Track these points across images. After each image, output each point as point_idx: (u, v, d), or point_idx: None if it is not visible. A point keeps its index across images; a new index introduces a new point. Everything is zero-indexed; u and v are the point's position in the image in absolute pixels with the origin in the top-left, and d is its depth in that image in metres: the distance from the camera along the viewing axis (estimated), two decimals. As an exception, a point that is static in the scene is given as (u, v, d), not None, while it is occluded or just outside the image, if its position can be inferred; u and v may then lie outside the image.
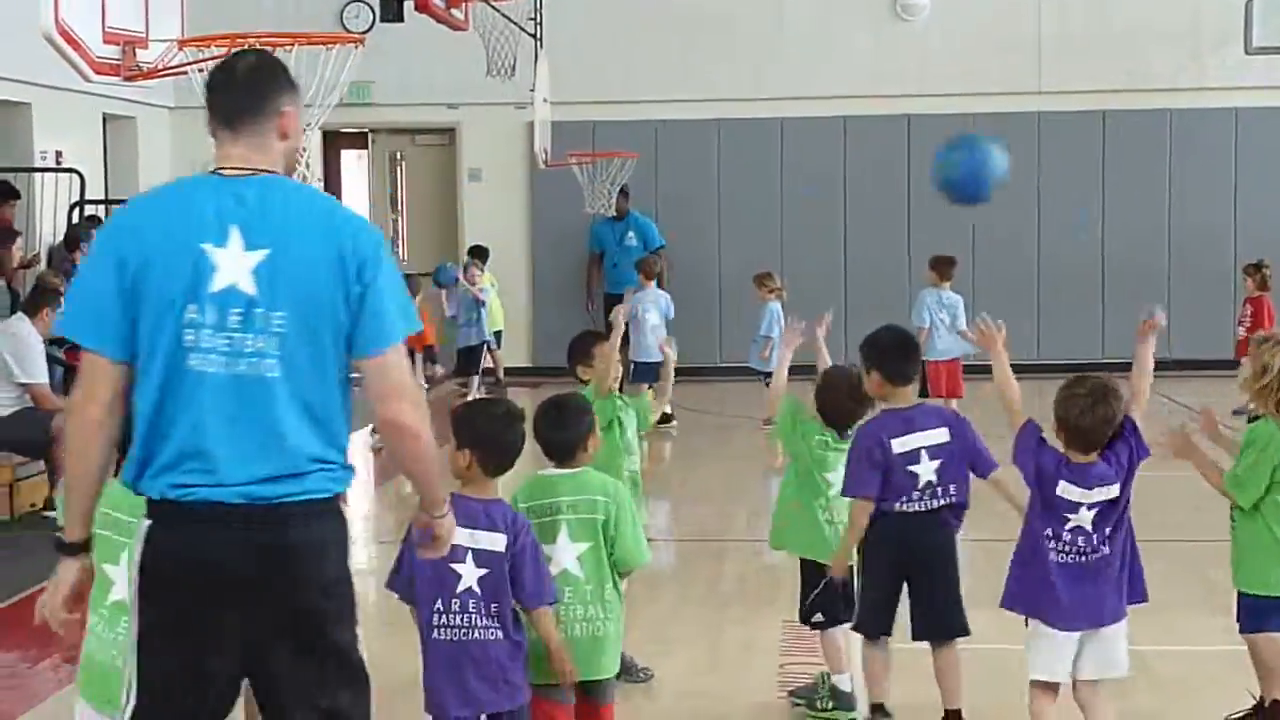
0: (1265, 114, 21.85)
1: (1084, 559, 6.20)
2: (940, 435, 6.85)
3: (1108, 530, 6.23)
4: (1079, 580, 6.18)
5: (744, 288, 21.89)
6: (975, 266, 21.86)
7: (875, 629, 6.95)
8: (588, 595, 5.96)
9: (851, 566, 7.01)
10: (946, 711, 6.83)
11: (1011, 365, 6.45)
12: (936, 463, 6.80)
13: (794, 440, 7.31)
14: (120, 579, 5.02)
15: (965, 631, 6.88)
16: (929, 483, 6.81)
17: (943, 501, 6.84)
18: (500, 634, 5.56)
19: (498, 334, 21.02)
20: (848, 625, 7.24)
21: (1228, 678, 7.90)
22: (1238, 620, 6.99)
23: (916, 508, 6.82)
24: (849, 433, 7.13)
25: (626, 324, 7.63)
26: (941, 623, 6.86)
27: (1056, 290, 22.07)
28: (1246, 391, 6.94)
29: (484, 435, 5.66)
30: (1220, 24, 21.13)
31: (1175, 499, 12.84)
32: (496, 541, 5.57)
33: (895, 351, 7.01)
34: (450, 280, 20.54)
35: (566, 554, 5.96)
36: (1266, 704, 6.91)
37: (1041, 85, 22.01)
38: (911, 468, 6.79)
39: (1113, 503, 6.23)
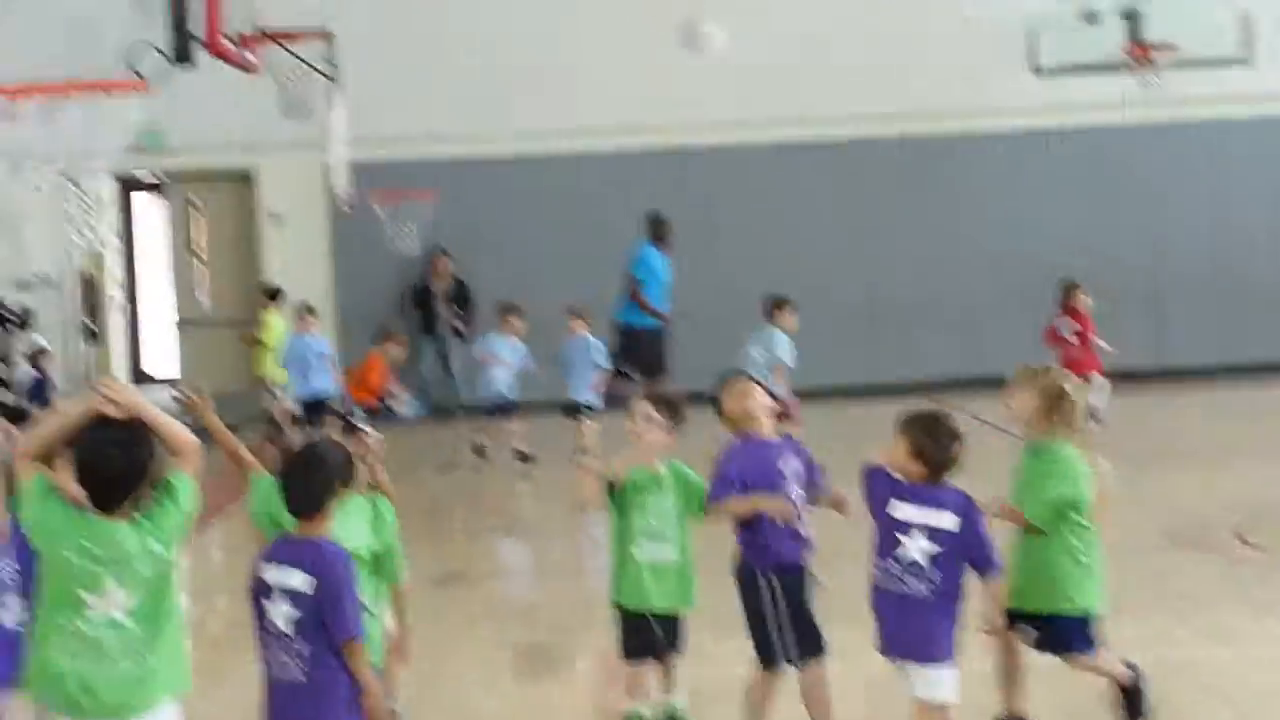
0: (1054, 135, 22.31)
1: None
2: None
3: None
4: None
5: (549, 323, 21.94)
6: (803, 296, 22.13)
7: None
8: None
9: None
10: None
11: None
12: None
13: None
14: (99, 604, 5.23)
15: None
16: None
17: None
18: (306, 675, 5.54)
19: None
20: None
21: (1031, 687, 8.04)
22: (1062, 642, 7.13)
23: None
24: None
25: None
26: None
27: (852, 314, 22.31)
28: (1032, 425, 7.08)
29: (289, 479, 5.72)
30: (1004, 48, 21.57)
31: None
32: (302, 581, 5.55)
33: None
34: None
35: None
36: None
37: (833, 113, 22.29)
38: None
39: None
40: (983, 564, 6.42)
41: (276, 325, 20.67)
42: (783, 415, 7.76)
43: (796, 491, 6.98)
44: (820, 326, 21.77)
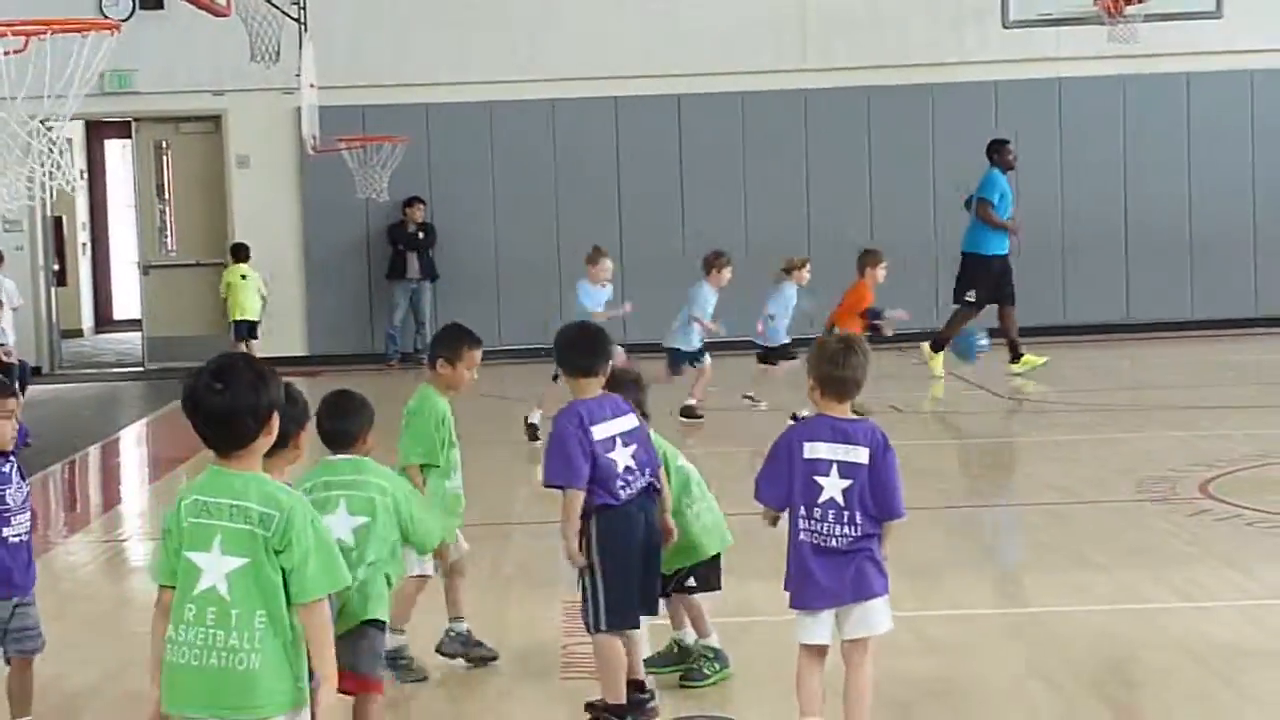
0: (1023, 85, 22.32)
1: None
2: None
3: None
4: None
5: (519, 269, 21.95)
6: (749, 242, 22.11)
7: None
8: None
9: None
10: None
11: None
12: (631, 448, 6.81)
13: None
14: (209, 566, 4.76)
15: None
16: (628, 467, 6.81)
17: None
18: None
19: (252, 325, 21.11)
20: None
21: (1000, 640, 8.08)
22: None
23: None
24: None
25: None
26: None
27: (828, 262, 22.25)
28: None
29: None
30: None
31: (949, 467, 13.15)
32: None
33: (578, 346, 6.98)
34: None
35: (342, 526, 6.27)
36: None
37: (807, 62, 22.28)
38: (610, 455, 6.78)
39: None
40: (886, 506, 6.18)
41: (234, 275, 21.06)
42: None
43: None
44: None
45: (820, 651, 6.24)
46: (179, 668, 4.73)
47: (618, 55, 22.11)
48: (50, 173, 7.93)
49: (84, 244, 27.97)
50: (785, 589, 6.27)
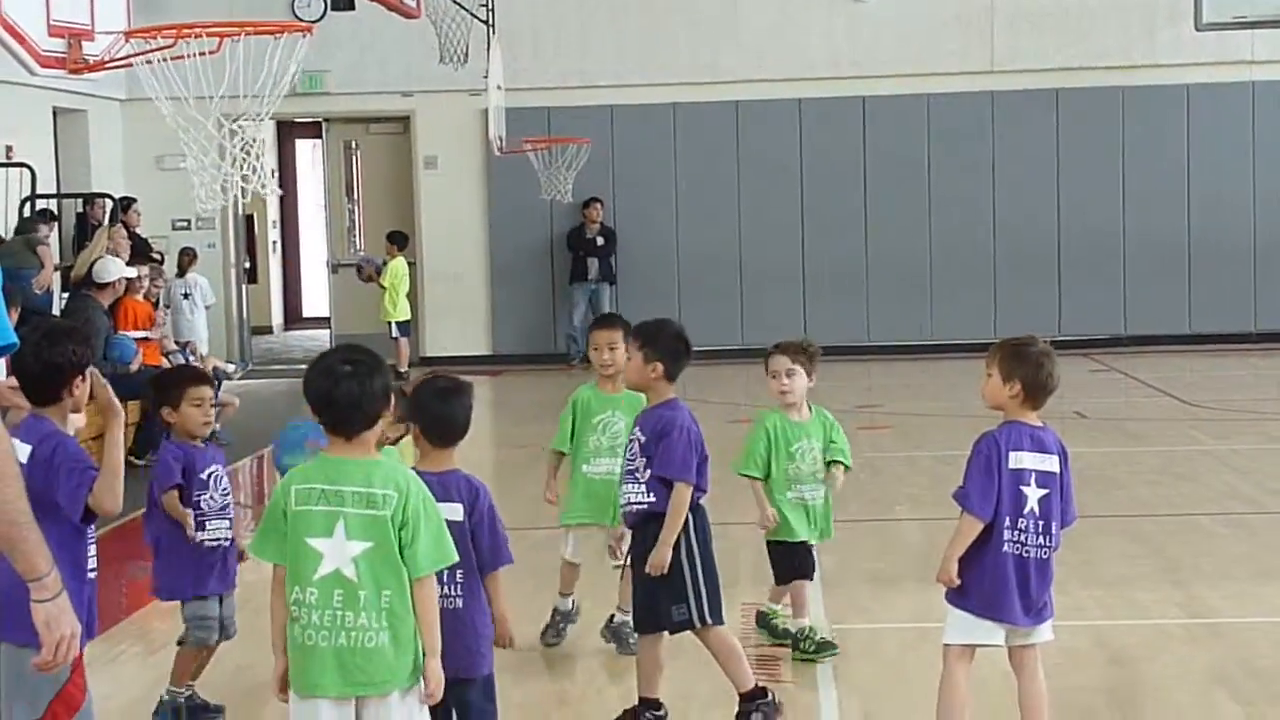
0: (1216, 89, 21.93)
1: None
2: None
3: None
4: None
5: (700, 271, 21.97)
6: (933, 245, 21.94)
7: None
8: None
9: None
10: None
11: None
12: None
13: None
14: (332, 551, 4.90)
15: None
16: None
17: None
18: (462, 601, 5.54)
19: (403, 324, 21.12)
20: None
21: (1183, 650, 7.96)
22: None
23: None
24: None
25: None
26: None
27: (1015, 266, 22.08)
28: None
29: (423, 409, 5.70)
30: (1171, 1, 21.22)
31: (1132, 475, 12.95)
32: (455, 511, 5.55)
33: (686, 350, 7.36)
34: None
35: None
36: None
37: (994, 64, 22.07)
38: None
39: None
40: (1068, 513, 6.18)
41: (399, 270, 21.04)
42: None
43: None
44: (969, 275, 21.68)
45: (971, 655, 6.17)
46: (308, 649, 4.90)
47: (801, 57, 22.06)
48: (246, 176, 8.10)
49: (274, 242, 28.50)
50: (962, 594, 6.16)
